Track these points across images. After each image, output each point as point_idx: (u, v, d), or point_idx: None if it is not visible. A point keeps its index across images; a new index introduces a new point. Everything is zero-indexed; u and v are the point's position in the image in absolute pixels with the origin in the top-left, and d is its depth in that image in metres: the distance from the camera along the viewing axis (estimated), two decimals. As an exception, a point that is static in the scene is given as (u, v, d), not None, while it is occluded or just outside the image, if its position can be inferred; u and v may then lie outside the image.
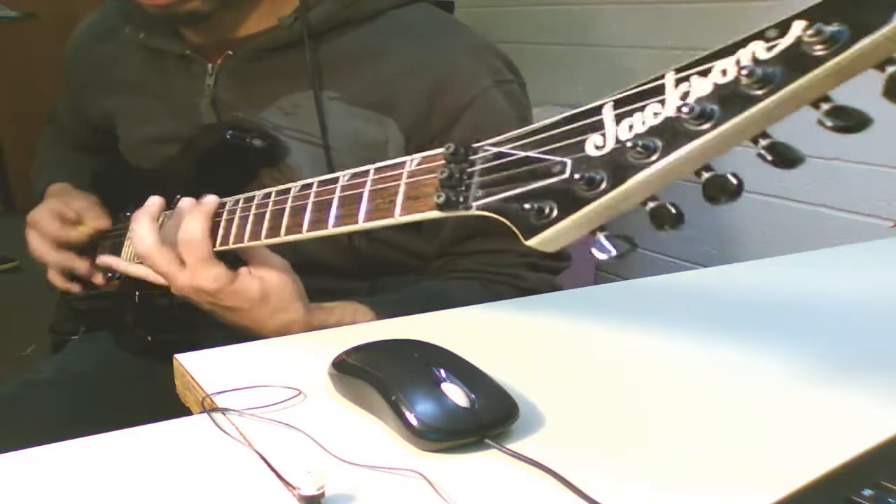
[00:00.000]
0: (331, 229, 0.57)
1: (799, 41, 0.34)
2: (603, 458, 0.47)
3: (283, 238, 0.62)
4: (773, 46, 0.34)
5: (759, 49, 0.35)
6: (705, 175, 0.38)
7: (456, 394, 0.48)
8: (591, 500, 0.42)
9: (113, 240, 0.95)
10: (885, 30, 0.31)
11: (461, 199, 0.47)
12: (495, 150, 0.46)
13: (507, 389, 0.51)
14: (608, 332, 0.68)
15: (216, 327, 0.76)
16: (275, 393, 0.55)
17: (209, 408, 0.54)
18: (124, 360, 0.89)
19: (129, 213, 0.92)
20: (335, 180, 0.58)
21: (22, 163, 1.22)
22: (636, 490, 0.44)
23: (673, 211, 0.39)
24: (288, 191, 0.63)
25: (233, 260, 0.70)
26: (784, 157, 0.36)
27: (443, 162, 0.48)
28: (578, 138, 0.41)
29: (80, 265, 0.95)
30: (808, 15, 0.33)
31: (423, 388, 0.49)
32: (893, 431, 0.49)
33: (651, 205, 0.39)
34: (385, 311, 0.74)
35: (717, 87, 0.36)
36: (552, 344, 0.66)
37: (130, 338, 0.87)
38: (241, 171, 0.83)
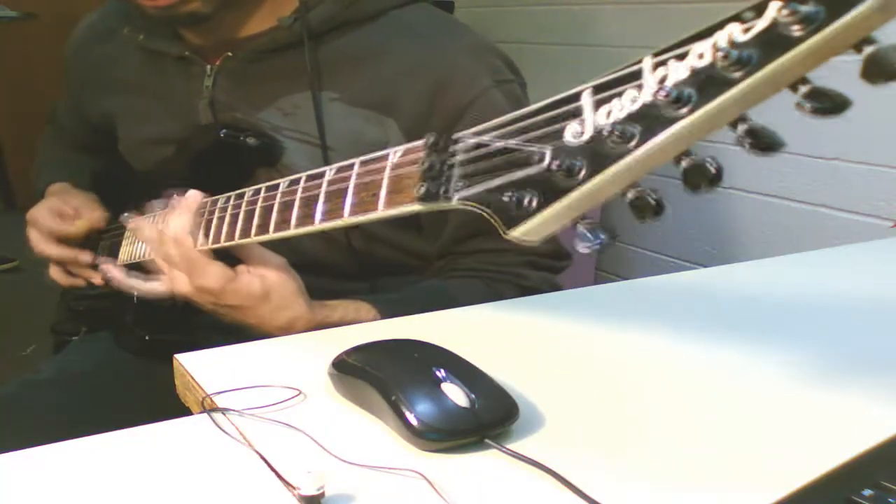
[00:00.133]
0: (318, 225, 0.57)
1: (775, 22, 0.33)
2: (603, 458, 0.47)
3: (271, 235, 0.62)
4: (750, 28, 0.34)
5: (735, 31, 0.35)
6: (685, 162, 0.37)
7: (456, 394, 0.48)
8: (591, 500, 0.42)
9: (111, 240, 0.95)
10: (861, 8, 0.31)
11: (442, 191, 0.46)
12: (475, 140, 0.45)
13: (507, 389, 0.51)
14: (608, 332, 0.68)
15: (216, 327, 0.76)
16: (275, 393, 0.55)
17: (209, 408, 0.53)
18: (124, 360, 0.89)
19: (127, 215, 0.92)
20: (322, 175, 0.58)
21: (22, 163, 1.22)
22: (636, 490, 0.44)
23: (653, 200, 0.39)
24: (277, 187, 0.62)
25: (230, 261, 0.70)
26: (763, 142, 0.35)
27: (424, 153, 0.48)
28: (558, 126, 0.41)
29: (81, 258, 0.95)
30: None
31: (423, 388, 0.49)
32: (893, 431, 0.49)
33: (631, 194, 0.39)
34: (387, 309, 0.74)
35: (695, 70, 0.36)
36: (552, 344, 0.66)
37: (130, 338, 0.87)
38: (237, 170, 0.83)
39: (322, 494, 0.42)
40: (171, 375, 0.62)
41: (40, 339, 1.09)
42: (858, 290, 0.79)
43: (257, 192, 0.65)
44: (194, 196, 0.70)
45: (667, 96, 0.36)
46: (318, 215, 0.57)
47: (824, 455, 0.46)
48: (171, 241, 0.69)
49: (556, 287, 0.87)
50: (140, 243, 0.85)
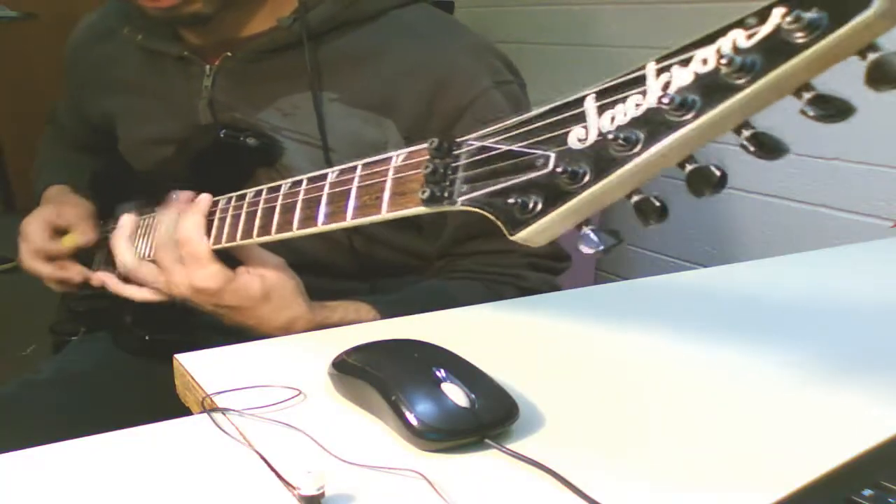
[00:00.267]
0: (320, 227, 0.57)
1: (778, 29, 0.33)
2: (603, 458, 0.47)
3: (273, 236, 0.62)
4: (753, 34, 0.34)
5: (739, 37, 0.35)
6: (688, 167, 0.38)
7: (456, 394, 0.48)
8: (591, 500, 0.42)
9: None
10: (865, 16, 0.31)
11: (446, 194, 0.46)
12: (479, 144, 0.45)
13: (507, 389, 0.51)
14: (608, 332, 0.68)
15: (216, 327, 0.76)
16: (275, 393, 0.55)
17: (209, 408, 0.53)
18: (124, 360, 0.89)
19: (127, 215, 0.92)
20: (324, 177, 0.58)
21: (22, 163, 1.22)
22: (636, 490, 0.44)
23: (657, 204, 0.39)
24: (279, 188, 0.62)
25: (228, 262, 0.70)
26: (767, 148, 0.35)
27: (427, 157, 0.48)
28: (561, 131, 0.41)
29: (73, 274, 0.95)
30: (787, 2, 0.33)
31: (423, 388, 0.49)
32: (893, 431, 0.49)
33: (635, 198, 0.39)
34: (387, 309, 0.74)
35: (698, 76, 0.36)
36: (552, 344, 0.66)
37: (129, 338, 0.87)
38: (237, 170, 0.83)
39: (322, 494, 0.42)
40: (171, 375, 0.62)
41: (40, 339, 1.09)
42: (858, 290, 0.79)
43: (259, 193, 0.65)
44: (206, 199, 0.70)
45: (671, 102, 0.36)
46: (320, 217, 0.57)
47: (824, 455, 0.46)
48: (180, 242, 0.68)
49: (555, 288, 0.87)
50: (139, 244, 0.85)
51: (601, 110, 0.40)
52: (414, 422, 0.47)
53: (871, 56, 0.32)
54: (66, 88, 1.09)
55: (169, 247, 0.70)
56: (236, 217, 0.67)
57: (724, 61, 0.35)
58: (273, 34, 0.84)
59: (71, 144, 1.13)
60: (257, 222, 0.64)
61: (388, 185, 0.51)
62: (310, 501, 0.42)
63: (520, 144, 0.43)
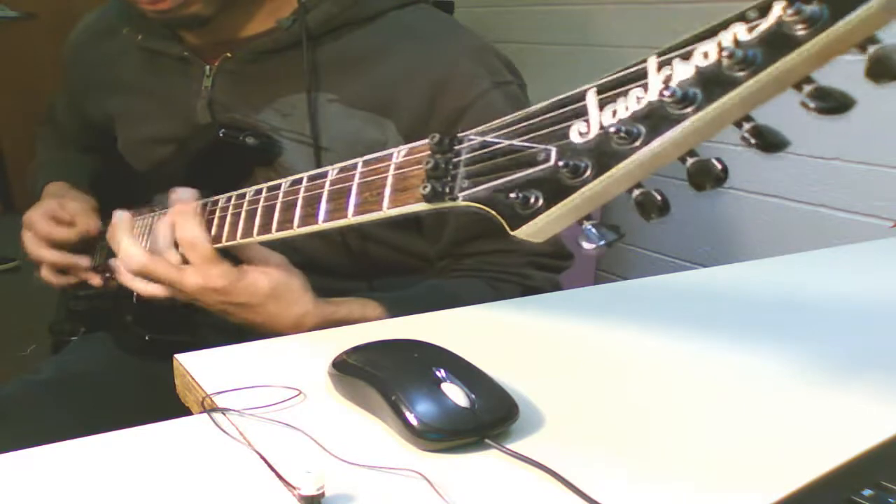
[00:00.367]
0: (321, 224, 0.57)
1: (779, 22, 0.33)
2: (603, 458, 0.47)
3: (274, 234, 0.62)
4: (754, 28, 0.34)
5: (740, 31, 0.35)
6: (690, 161, 0.37)
7: (456, 394, 0.48)
8: (591, 500, 0.42)
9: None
10: (865, 8, 0.31)
11: (447, 190, 0.46)
12: (480, 139, 0.45)
13: (507, 389, 0.51)
14: (608, 332, 0.68)
15: (216, 328, 0.76)
16: (275, 393, 0.55)
17: (209, 408, 0.53)
18: (124, 360, 0.89)
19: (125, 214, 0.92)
20: (324, 175, 0.58)
21: (22, 163, 1.22)
22: (636, 490, 0.44)
23: (658, 198, 0.39)
24: (278, 186, 0.62)
25: (229, 261, 0.70)
26: (768, 141, 0.35)
27: (429, 153, 0.48)
28: (563, 125, 0.41)
29: (76, 262, 0.95)
30: None
31: (423, 388, 0.49)
32: (893, 431, 0.49)
33: (636, 193, 0.39)
34: (393, 307, 0.74)
35: (699, 70, 0.36)
36: (552, 344, 0.66)
37: (130, 338, 0.87)
38: (236, 170, 0.83)
39: (322, 494, 0.42)
40: (171, 375, 0.62)
41: (40, 339, 1.09)
42: (858, 290, 0.79)
43: (258, 192, 0.65)
44: (192, 199, 0.70)
45: (672, 96, 0.36)
46: (321, 214, 0.57)
47: (824, 455, 0.46)
48: (184, 244, 0.68)
49: (558, 286, 0.87)
50: (140, 243, 0.85)
51: (602, 105, 0.39)
52: (414, 422, 0.47)
53: (872, 49, 0.32)
54: (64, 87, 1.09)
55: (171, 248, 0.70)
56: (236, 216, 0.67)
57: (725, 54, 0.34)
58: (273, 35, 0.84)
59: (69, 144, 1.13)
60: (258, 221, 0.64)
61: (389, 181, 0.51)
62: (310, 501, 0.42)
63: (521, 139, 0.43)
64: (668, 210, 0.38)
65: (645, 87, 0.38)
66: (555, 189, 0.41)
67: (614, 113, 0.39)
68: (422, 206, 0.48)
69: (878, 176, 1.67)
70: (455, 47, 0.83)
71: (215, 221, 0.69)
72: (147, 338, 0.84)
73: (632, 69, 0.39)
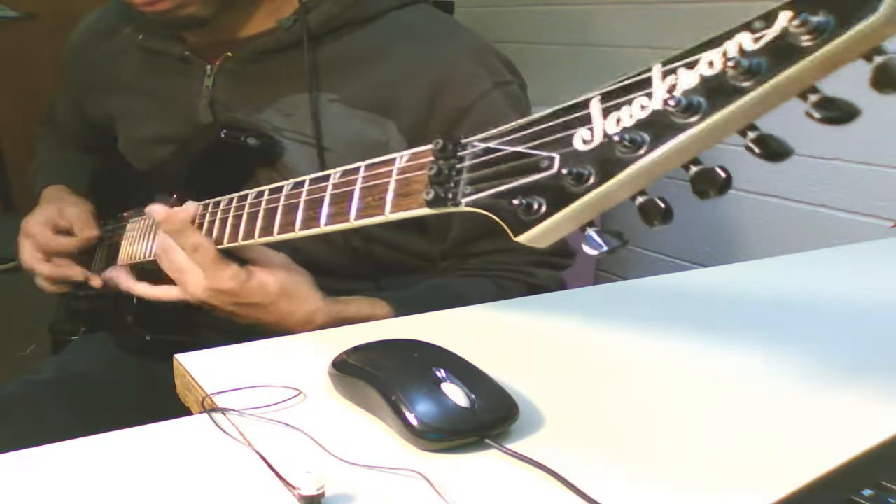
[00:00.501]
0: (323, 228, 0.57)
1: (785, 32, 0.33)
2: (603, 458, 0.47)
3: (276, 237, 0.62)
4: (760, 37, 0.34)
5: (745, 40, 0.35)
6: (693, 169, 0.38)
7: (456, 394, 0.48)
8: (591, 500, 0.42)
9: (110, 241, 0.95)
10: (871, 20, 0.31)
11: (450, 196, 0.46)
12: (484, 145, 0.45)
13: (507, 389, 0.51)
14: (608, 332, 0.68)
15: (216, 328, 0.76)
16: (275, 393, 0.55)
17: (209, 408, 0.53)
18: (124, 360, 0.89)
19: (126, 214, 0.92)
20: (326, 178, 0.58)
21: (22, 163, 1.22)
22: (636, 490, 0.44)
23: (662, 205, 0.39)
24: (280, 189, 0.62)
25: (232, 261, 0.70)
26: (772, 150, 0.35)
27: (432, 158, 0.48)
28: (566, 133, 0.41)
29: (73, 273, 0.95)
30: (794, 5, 0.33)
31: (423, 388, 0.49)
32: (893, 431, 0.49)
33: (640, 200, 0.39)
34: (400, 306, 0.74)
35: (704, 79, 0.36)
36: (552, 344, 0.66)
37: (130, 338, 0.87)
38: (238, 170, 0.83)
39: (322, 494, 0.42)
40: (171, 375, 0.62)
41: (40, 339, 1.09)
42: (858, 290, 0.79)
43: (260, 194, 0.65)
44: (188, 208, 0.70)
45: (677, 104, 0.36)
46: (323, 218, 0.57)
47: (824, 455, 0.46)
48: (189, 249, 0.68)
49: (562, 284, 0.87)
50: (141, 244, 0.85)
51: (606, 112, 0.40)
52: (414, 422, 0.47)
53: (877, 59, 0.32)
54: (65, 88, 1.09)
55: (178, 253, 0.70)
56: (237, 217, 0.67)
57: (730, 64, 0.35)
58: (274, 35, 0.84)
59: (69, 144, 1.13)
60: (259, 223, 0.64)
61: (392, 186, 0.51)
62: (310, 501, 0.42)
63: (524, 146, 0.43)
64: (671, 217, 0.39)
65: (649, 95, 0.38)
66: (558, 195, 0.41)
67: (618, 121, 0.39)
68: (424, 211, 0.48)
69: (878, 176, 1.67)
70: (455, 47, 0.83)
71: (216, 223, 0.69)
72: (148, 338, 0.85)
73: (636, 77, 0.39)
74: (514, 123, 0.44)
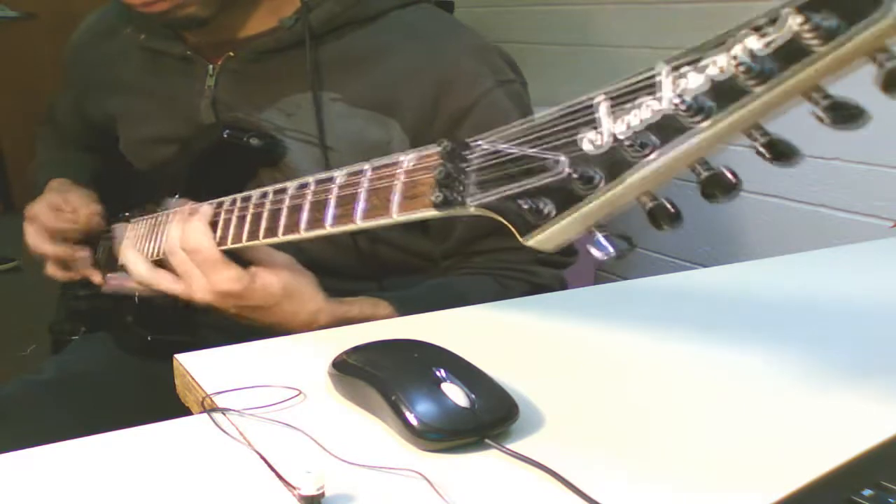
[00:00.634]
0: (329, 229, 0.57)
1: (795, 35, 0.33)
2: (603, 458, 0.47)
3: (280, 238, 0.62)
4: (769, 40, 0.34)
5: (754, 42, 0.35)
6: (702, 172, 0.38)
7: (456, 394, 0.48)
8: (591, 500, 0.42)
9: (111, 241, 0.95)
10: (881, 23, 0.31)
11: (458, 198, 0.46)
12: (491, 147, 0.45)
13: (507, 389, 0.51)
14: (608, 332, 0.68)
15: (216, 328, 0.76)
16: (275, 393, 0.55)
17: (209, 408, 0.53)
18: (124, 360, 0.89)
19: (127, 214, 0.92)
20: (332, 179, 0.58)
21: (22, 163, 1.22)
22: (636, 490, 0.44)
23: (671, 209, 0.39)
24: (285, 190, 0.62)
25: (235, 262, 0.70)
26: (781, 153, 0.35)
27: (439, 160, 0.48)
28: (574, 135, 0.41)
29: (78, 256, 0.95)
30: (804, 9, 0.33)
31: (423, 388, 0.49)
32: (893, 431, 0.49)
33: (648, 203, 0.39)
34: (402, 305, 0.75)
35: (714, 82, 0.36)
36: (552, 344, 0.66)
37: (130, 338, 0.87)
38: (240, 170, 0.83)
39: (322, 494, 0.42)
40: (172, 375, 0.62)
41: (40, 339, 1.09)
42: (858, 290, 0.79)
43: (264, 195, 0.65)
44: (207, 207, 0.70)
45: (686, 108, 0.36)
46: (328, 219, 0.57)
47: (824, 455, 0.46)
48: (191, 251, 0.68)
49: (564, 283, 0.87)
50: (144, 243, 0.85)
51: (615, 115, 0.40)
52: (414, 422, 0.47)
53: (888, 64, 0.32)
54: (65, 87, 1.09)
55: (180, 255, 0.70)
56: (242, 218, 0.67)
57: (740, 67, 0.35)
58: (275, 34, 0.84)
59: (69, 144, 1.13)
60: (263, 224, 0.64)
61: (399, 188, 0.51)
62: (310, 501, 0.42)
63: (532, 148, 0.43)
64: (679, 220, 0.39)
65: (658, 97, 0.38)
66: (566, 198, 0.41)
67: (627, 124, 0.39)
68: (432, 213, 0.48)
69: (878, 176, 1.67)
70: (457, 46, 0.83)
71: (220, 224, 0.69)
72: (149, 338, 0.85)
73: (644, 79, 0.39)
74: (521, 125, 0.44)
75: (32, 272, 1.00)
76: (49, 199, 0.96)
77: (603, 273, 2.36)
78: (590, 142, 0.40)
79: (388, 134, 0.81)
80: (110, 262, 0.93)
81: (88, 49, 1.01)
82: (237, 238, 0.67)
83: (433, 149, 0.49)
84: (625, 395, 0.57)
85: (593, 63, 2.28)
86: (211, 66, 0.87)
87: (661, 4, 2.08)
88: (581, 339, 0.67)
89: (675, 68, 0.37)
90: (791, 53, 0.34)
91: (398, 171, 0.52)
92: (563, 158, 0.41)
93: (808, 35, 0.33)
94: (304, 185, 0.60)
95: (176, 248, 0.70)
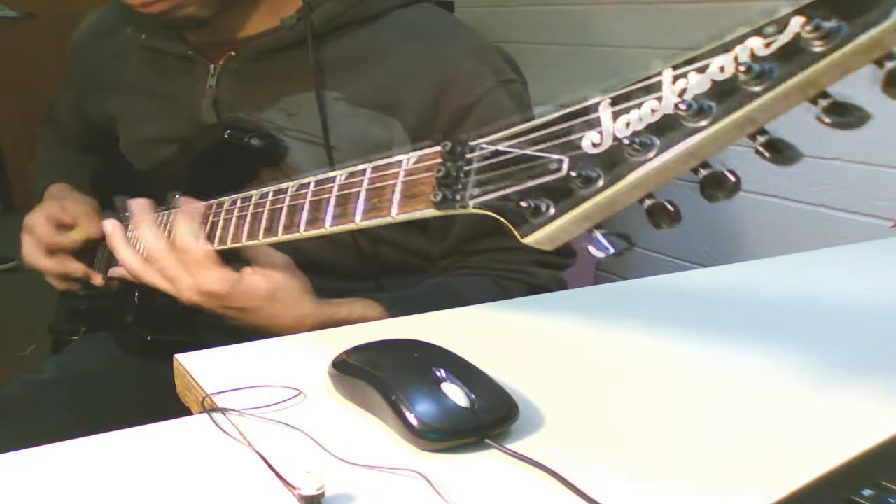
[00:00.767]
0: (328, 228, 0.57)
1: (797, 37, 0.33)
2: (603, 458, 0.47)
3: (280, 237, 0.62)
4: (771, 42, 0.34)
5: (756, 45, 0.35)
6: (702, 172, 0.38)
7: (456, 394, 0.48)
8: (591, 500, 0.42)
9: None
10: (884, 26, 0.31)
11: (458, 198, 0.47)
12: (492, 147, 0.45)
13: (507, 389, 0.51)
14: (608, 332, 0.68)
15: (216, 328, 0.76)
16: (275, 393, 0.55)
17: (209, 408, 0.53)
18: (124, 360, 0.89)
19: (127, 214, 0.92)
20: (332, 179, 0.58)
21: (22, 163, 1.22)
22: (636, 490, 0.44)
23: (670, 208, 0.39)
24: (285, 190, 0.62)
25: (234, 261, 0.70)
26: (782, 154, 0.36)
27: (439, 160, 0.48)
28: (575, 135, 0.41)
29: (74, 269, 0.95)
30: (806, 11, 0.33)
31: (423, 388, 0.49)
32: (893, 431, 0.49)
33: (648, 202, 0.39)
34: (394, 307, 0.74)
35: (715, 83, 0.36)
36: (552, 344, 0.66)
37: (130, 338, 0.87)
38: (241, 171, 0.83)
39: (322, 494, 0.42)
40: (172, 375, 0.62)
41: (40, 339, 1.09)
42: (858, 290, 0.79)
43: (265, 195, 0.65)
44: (198, 205, 0.70)
45: (687, 108, 0.36)
46: (328, 219, 0.57)
47: (824, 455, 0.46)
48: (179, 249, 0.69)
49: (562, 284, 0.87)
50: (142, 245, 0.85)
51: (616, 115, 0.40)
52: (414, 422, 0.47)
53: (889, 65, 0.32)
54: (66, 87, 1.09)
55: (168, 254, 0.70)
56: (241, 218, 0.67)
57: (741, 68, 0.35)
58: (277, 34, 0.84)
59: (70, 144, 1.13)
60: (263, 223, 0.64)
61: (399, 187, 0.51)
62: (310, 501, 0.42)
63: (533, 148, 0.43)
64: (679, 220, 0.39)
65: (659, 98, 0.38)
66: (566, 198, 0.41)
67: (628, 124, 0.39)
68: (432, 213, 0.49)
69: (878, 176, 1.67)
70: (458, 46, 0.83)
71: (220, 223, 0.69)
72: (149, 338, 0.84)
73: (645, 80, 0.39)
74: (522, 125, 0.44)
75: (32, 272, 0.99)
76: (48, 210, 0.95)
77: (603, 273, 2.36)
78: (591, 142, 0.40)
79: (389, 133, 0.82)
80: (112, 264, 0.92)
81: (89, 49, 1.01)
82: (237, 238, 0.67)
83: (434, 148, 0.49)
84: (625, 395, 0.57)
85: (593, 63, 2.28)
86: (212, 66, 0.87)
87: (661, 4, 2.08)
88: (581, 339, 0.67)
89: (676, 68, 0.38)
90: (794, 56, 0.34)
91: (398, 170, 0.52)
92: (563, 158, 0.41)
93: (810, 37, 0.33)
94: (304, 185, 0.61)
95: (162, 245, 0.70)
